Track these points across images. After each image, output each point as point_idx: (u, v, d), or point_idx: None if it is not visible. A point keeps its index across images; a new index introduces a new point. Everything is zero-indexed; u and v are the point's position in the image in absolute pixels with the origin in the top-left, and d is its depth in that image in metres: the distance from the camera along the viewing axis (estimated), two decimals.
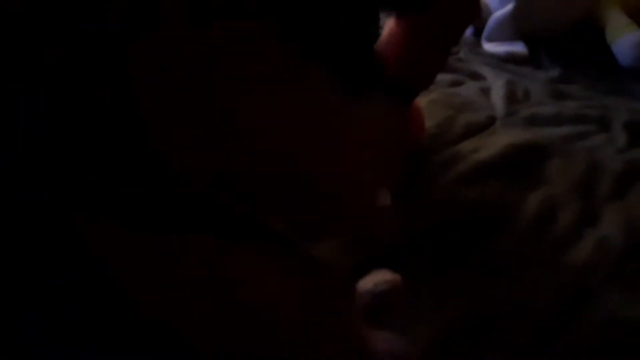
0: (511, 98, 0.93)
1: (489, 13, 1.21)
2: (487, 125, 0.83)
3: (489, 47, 1.19)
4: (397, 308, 0.39)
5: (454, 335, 0.47)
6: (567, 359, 0.47)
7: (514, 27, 1.19)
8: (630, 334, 0.49)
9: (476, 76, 1.04)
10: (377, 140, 0.31)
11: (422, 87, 0.63)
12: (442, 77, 1.00)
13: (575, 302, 0.52)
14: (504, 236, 0.59)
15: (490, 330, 0.48)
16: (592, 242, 0.59)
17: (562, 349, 0.48)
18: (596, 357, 0.48)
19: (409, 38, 0.57)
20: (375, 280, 0.38)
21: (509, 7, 1.16)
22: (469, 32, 1.27)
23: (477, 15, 0.62)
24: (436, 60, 0.62)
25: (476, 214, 0.61)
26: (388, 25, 0.60)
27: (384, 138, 0.32)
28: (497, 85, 0.97)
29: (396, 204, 0.61)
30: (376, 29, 0.83)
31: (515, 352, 0.47)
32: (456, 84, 1.00)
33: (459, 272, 0.54)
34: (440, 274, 0.53)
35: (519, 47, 1.17)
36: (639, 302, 0.52)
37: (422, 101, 0.86)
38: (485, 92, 0.97)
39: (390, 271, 0.39)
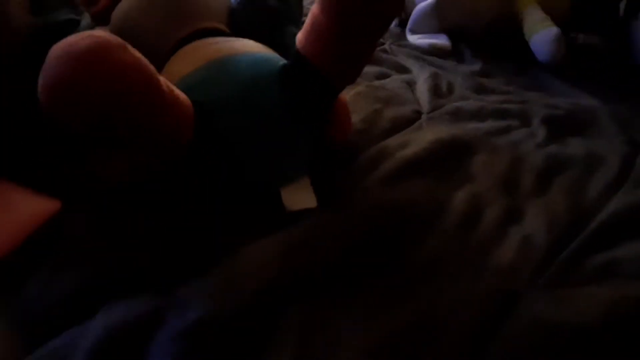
0: (436, 92, 0.92)
1: (413, 4, 1.20)
2: (413, 119, 0.82)
3: (412, 39, 1.19)
4: None
5: (382, 351, 0.44)
6: None
7: (437, 19, 1.19)
8: (556, 337, 0.48)
9: (401, 69, 1.03)
10: None
11: (349, 79, 0.59)
12: (368, 69, 0.98)
13: (501, 306, 0.50)
14: (430, 240, 0.57)
15: (418, 343, 0.45)
16: (517, 242, 0.59)
17: (489, 356, 0.46)
18: None
19: (334, 25, 0.53)
20: None
21: None
22: (393, 23, 1.26)
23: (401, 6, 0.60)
24: (363, 51, 0.58)
25: (402, 216, 0.59)
26: (312, 11, 0.55)
27: None
28: (422, 79, 0.96)
29: (322, 207, 0.57)
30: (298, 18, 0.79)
31: None
32: (382, 76, 0.98)
33: (386, 282, 0.51)
34: (367, 284, 0.50)
35: (442, 40, 1.17)
36: (563, 303, 0.52)
37: (348, 94, 0.82)
38: (411, 85, 0.95)
39: None
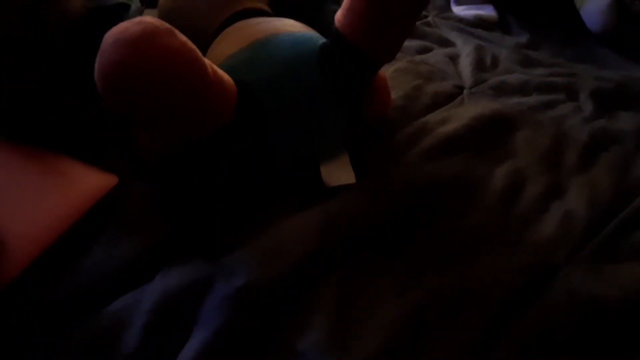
0: (479, 66, 0.91)
1: None
2: (454, 95, 0.81)
3: (457, 10, 1.16)
4: None
5: (416, 320, 0.46)
6: (527, 338, 0.47)
7: None
8: (590, 311, 0.49)
9: (444, 42, 1.02)
10: None
11: (388, 57, 0.60)
12: (410, 44, 0.97)
13: (539, 280, 0.51)
14: (470, 214, 0.58)
15: (453, 315, 0.47)
16: (557, 217, 0.59)
17: (523, 329, 0.47)
18: (556, 335, 0.47)
19: (372, 2, 0.54)
20: None
21: None
22: None
23: None
24: (402, 29, 0.58)
25: (443, 191, 0.60)
26: None
27: None
28: (466, 52, 0.95)
29: (361, 182, 0.59)
30: None
31: (478, 336, 0.46)
32: (424, 50, 0.96)
33: (423, 254, 0.52)
34: (404, 256, 0.52)
35: (488, 11, 1.14)
36: (600, 278, 0.52)
37: (388, 70, 0.83)
38: (454, 59, 0.94)
39: None
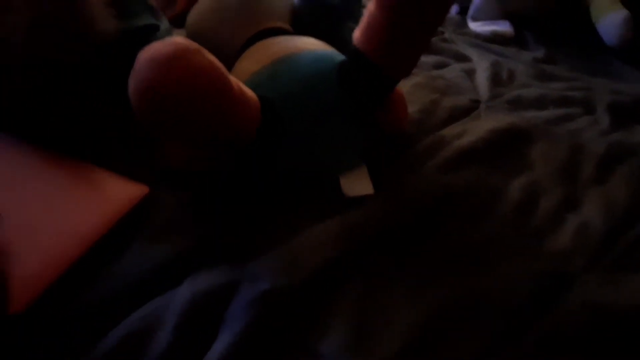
0: (496, 80, 0.93)
1: None
2: (471, 109, 0.83)
3: (474, 26, 1.19)
4: None
5: (432, 325, 0.48)
6: (541, 346, 0.48)
7: (500, 5, 1.18)
8: (604, 319, 0.50)
9: (461, 57, 1.04)
10: None
11: (404, 73, 0.62)
12: (427, 59, 1.00)
13: (554, 290, 0.52)
14: (486, 224, 0.59)
15: (468, 320, 0.48)
16: (573, 228, 0.60)
17: (537, 336, 0.48)
18: (569, 344, 0.48)
19: (389, 20, 0.56)
20: None
21: None
22: (454, 11, 1.26)
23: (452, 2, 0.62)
24: (418, 45, 0.60)
25: (459, 201, 0.61)
26: (368, 9, 0.59)
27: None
28: (482, 67, 0.97)
29: (379, 192, 0.61)
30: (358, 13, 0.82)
31: (492, 341, 0.47)
32: (440, 65, 0.99)
33: (439, 261, 0.54)
34: (420, 263, 0.53)
35: (504, 27, 1.16)
36: (615, 288, 0.53)
37: (406, 85, 0.85)
38: (470, 74, 0.96)
39: None
